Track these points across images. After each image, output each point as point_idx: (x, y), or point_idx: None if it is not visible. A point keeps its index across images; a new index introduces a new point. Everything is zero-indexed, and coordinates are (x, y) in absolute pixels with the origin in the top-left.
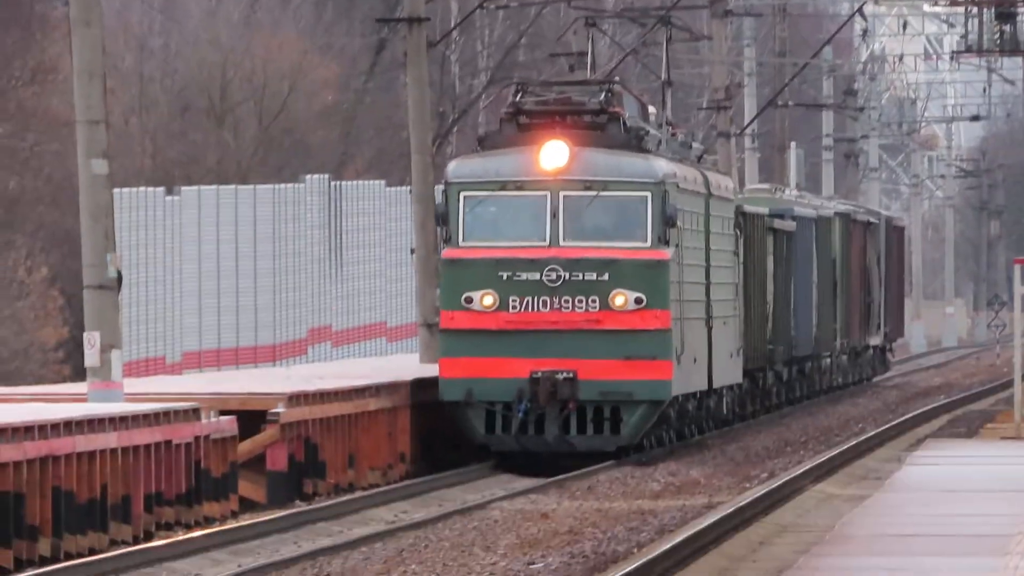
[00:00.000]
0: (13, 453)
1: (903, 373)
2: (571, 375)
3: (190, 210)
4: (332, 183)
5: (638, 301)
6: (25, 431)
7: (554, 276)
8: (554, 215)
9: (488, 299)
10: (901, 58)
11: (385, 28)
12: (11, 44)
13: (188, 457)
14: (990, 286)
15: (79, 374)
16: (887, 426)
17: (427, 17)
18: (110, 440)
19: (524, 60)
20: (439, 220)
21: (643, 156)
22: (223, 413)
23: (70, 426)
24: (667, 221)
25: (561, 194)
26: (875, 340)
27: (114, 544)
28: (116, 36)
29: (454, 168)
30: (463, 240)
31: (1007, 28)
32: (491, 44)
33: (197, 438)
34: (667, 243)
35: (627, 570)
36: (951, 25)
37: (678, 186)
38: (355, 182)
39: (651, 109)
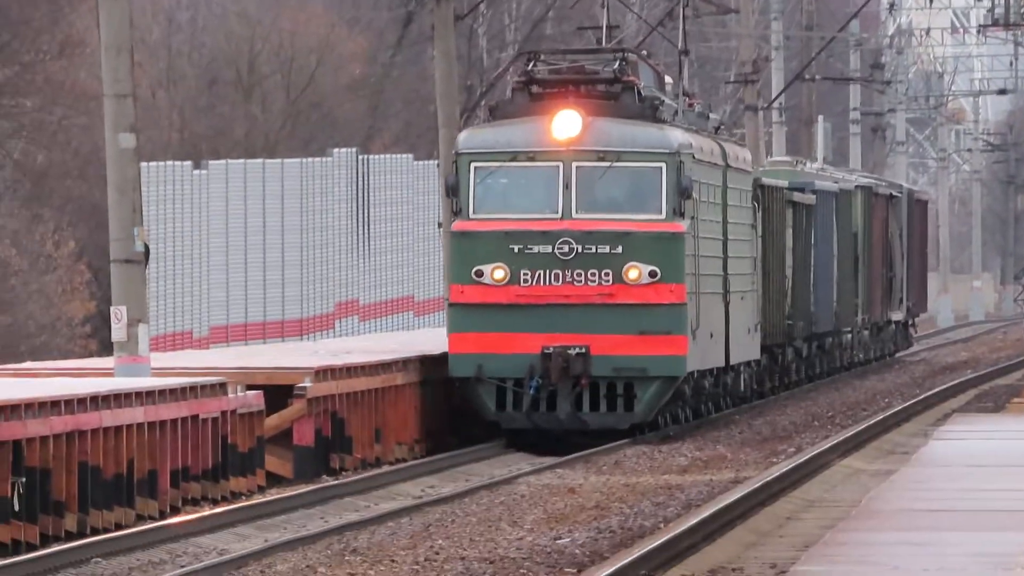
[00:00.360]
0: (40, 428)
1: (930, 347)
2: (583, 350)
3: (218, 184)
4: (360, 157)
5: (652, 275)
6: (52, 406)
7: (566, 249)
8: (567, 186)
9: (499, 273)
10: (928, 31)
11: (412, 1)
12: (39, 18)
13: (215, 432)
14: (1017, 260)
15: (106, 349)
16: (913, 400)
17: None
18: (137, 415)
19: (552, 33)
20: (449, 191)
21: (658, 126)
22: (250, 388)
23: (96, 401)
24: (682, 193)
25: (574, 165)
26: (897, 315)
27: (140, 519)
28: (144, 9)
29: (464, 138)
30: (473, 212)
31: None
32: (519, 18)
33: (224, 413)
34: (682, 215)
35: (654, 545)
36: None
37: (694, 157)
38: (383, 156)
39: (667, 79)
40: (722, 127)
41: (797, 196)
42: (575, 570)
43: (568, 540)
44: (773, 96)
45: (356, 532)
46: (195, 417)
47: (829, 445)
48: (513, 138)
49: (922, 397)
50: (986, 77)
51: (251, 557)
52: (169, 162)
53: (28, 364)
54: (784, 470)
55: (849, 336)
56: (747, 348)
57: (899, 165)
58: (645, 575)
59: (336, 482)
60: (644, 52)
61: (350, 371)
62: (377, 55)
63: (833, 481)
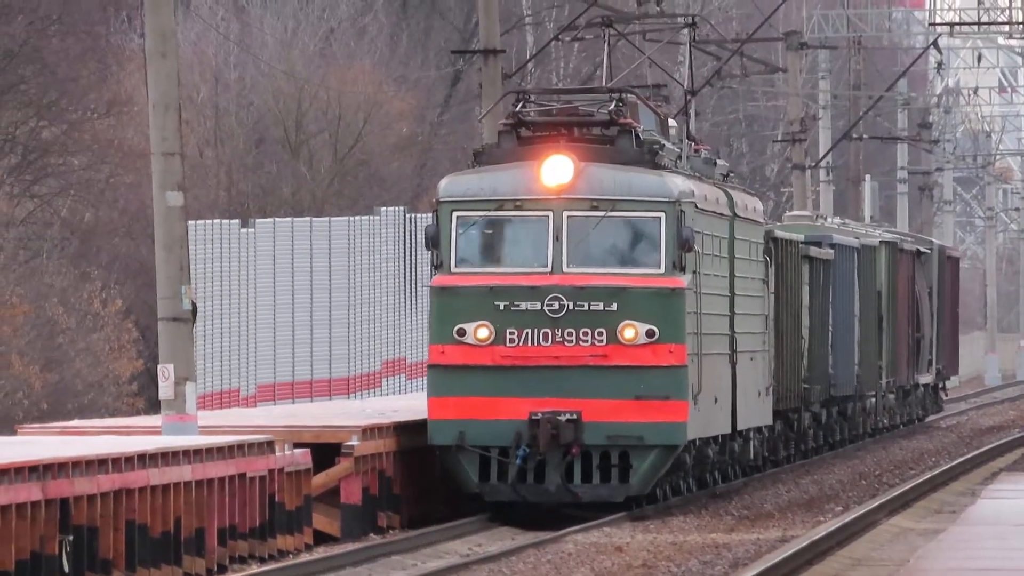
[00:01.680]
0: (87, 486)
1: (976, 406)
2: (575, 417)
3: (265, 242)
4: (407, 215)
5: (650, 334)
6: (99, 464)
7: (556, 306)
8: (557, 238)
9: (483, 332)
10: (976, 91)
11: (461, 60)
12: (86, 76)
13: (262, 490)
14: None
15: (153, 407)
16: (961, 459)
17: (503, 49)
18: (184, 473)
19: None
20: (429, 243)
21: (656, 172)
22: (297, 446)
23: (144, 459)
24: (683, 245)
25: (565, 214)
26: (926, 378)
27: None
28: (191, 68)
29: (446, 185)
30: (455, 266)
31: None
32: (566, 76)
33: (271, 471)
34: (683, 269)
35: None
36: None
37: (696, 206)
38: (430, 214)
39: (672, 122)
40: (731, 175)
41: (814, 251)
42: None
43: None
44: (821, 155)
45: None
46: (242, 475)
47: (876, 504)
48: (499, 185)
49: (970, 456)
50: None
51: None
52: (216, 220)
53: (76, 422)
54: (831, 529)
55: (873, 400)
56: (757, 413)
57: (946, 224)
58: None
59: (383, 540)
60: (646, 92)
61: (397, 429)
62: (425, 113)
63: (880, 540)
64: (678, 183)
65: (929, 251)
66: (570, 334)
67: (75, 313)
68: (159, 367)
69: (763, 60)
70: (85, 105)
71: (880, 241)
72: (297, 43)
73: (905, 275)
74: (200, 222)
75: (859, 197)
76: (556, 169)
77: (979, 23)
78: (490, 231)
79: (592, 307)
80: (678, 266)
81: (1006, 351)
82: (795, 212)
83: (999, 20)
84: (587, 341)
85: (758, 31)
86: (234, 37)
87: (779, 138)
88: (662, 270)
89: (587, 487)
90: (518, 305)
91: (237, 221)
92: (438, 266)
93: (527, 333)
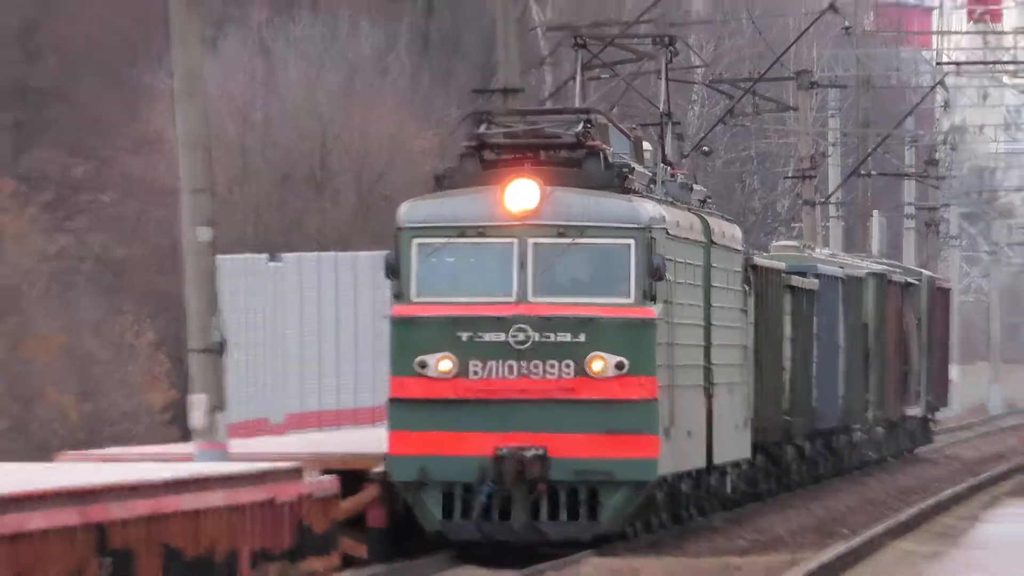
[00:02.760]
0: (123, 511)
1: (980, 434)
2: (541, 452)
3: (292, 276)
4: None
5: (619, 366)
6: (135, 490)
7: (522, 337)
8: (522, 266)
9: (445, 364)
10: (981, 128)
11: (480, 99)
12: (116, 114)
13: (292, 515)
14: None
15: (186, 435)
16: (964, 485)
17: (522, 88)
18: (216, 499)
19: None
20: (389, 272)
21: (626, 197)
22: (325, 472)
23: (178, 485)
24: (653, 273)
25: (530, 241)
26: (914, 411)
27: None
28: (219, 107)
29: (406, 211)
30: (416, 295)
31: None
32: None
33: (300, 496)
34: (654, 299)
35: None
36: None
37: (668, 232)
38: None
39: (647, 146)
40: (708, 200)
41: (796, 280)
42: None
43: None
44: (831, 191)
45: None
46: (272, 500)
47: (883, 528)
48: (461, 211)
49: (973, 482)
50: None
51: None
52: (245, 255)
53: (111, 449)
54: (839, 552)
55: (859, 433)
56: (735, 446)
57: (952, 258)
58: None
59: (409, 562)
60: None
61: None
62: (447, 151)
63: (886, 562)
64: (649, 208)
65: (918, 282)
66: (536, 366)
67: (109, 345)
68: (190, 397)
69: (774, 99)
70: (115, 142)
71: (867, 272)
72: (321, 82)
73: (894, 306)
74: (229, 256)
75: (867, 232)
76: (521, 194)
77: (984, 63)
78: (452, 259)
79: (559, 338)
80: (649, 295)
81: (1009, 381)
82: (782, 242)
83: (1004, 60)
84: (554, 374)
85: (770, 70)
86: (260, 77)
87: (790, 175)
88: (632, 300)
89: (555, 525)
90: (482, 336)
91: (265, 255)
92: (398, 295)
93: (491, 365)
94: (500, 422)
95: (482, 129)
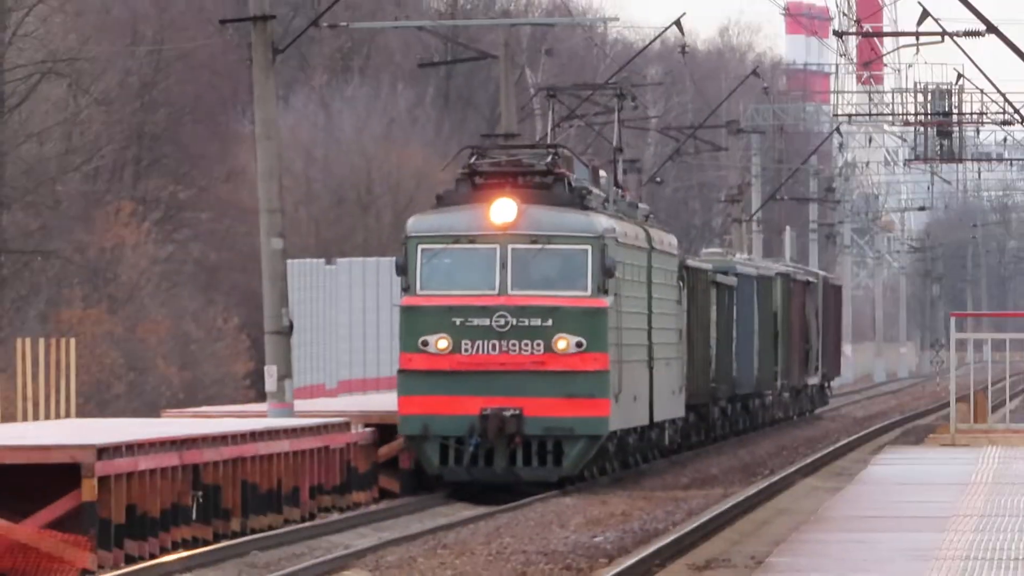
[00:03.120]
0: (213, 455)
1: (868, 397)
2: (517, 412)
3: (344, 276)
4: None
5: (579, 345)
6: (222, 439)
7: (503, 322)
8: (503, 266)
9: (443, 342)
10: (868, 164)
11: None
12: (212, 153)
13: (342, 458)
14: (932, 332)
15: (261, 397)
16: (856, 436)
17: (519, 133)
18: (284, 446)
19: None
20: (398, 271)
21: (584, 213)
22: (367, 425)
23: (254, 435)
24: (606, 272)
25: (509, 247)
26: (813, 380)
27: (287, 522)
28: (289, 147)
29: (412, 223)
30: (420, 289)
31: (944, 142)
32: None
33: (348, 444)
34: (606, 292)
35: (665, 542)
36: (904, 140)
37: (617, 240)
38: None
39: (602, 173)
40: (651, 216)
41: (720, 278)
42: (607, 560)
43: (602, 538)
44: (753, 211)
45: (445, 532)
46: (327, 447)
47: (794, 468)
48: (456, 223)
49: (862, 434)
50: (910, 197)
51: (368, 551)
52: (308, 260)
53: (205, 408)
54: (761, 487)
55: (770, 397)
56: (671, 407)
57: (845, 263)
58: (658, 564)
59: (413, 499)
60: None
61: None
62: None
63: (797, 495)
64: (602, 221)
65: (815, 281)
66: (514, 344)
67: (203, 328)
68: (265, 367)
69: (711, 141)
70: (210, 174)
71: (776, 273)
72: (367, 129)
73: (798, 300)
74: (295, 261)
75: (782, 243)
76: (502, 210)
77: (870, 114)
78: (448, 260)
79: (532, 323)
80: (602, 289)
81: (889, 356)
82: (710, 249)
83: (884, 112)
84: (528, 350)
85: (707, 120)
86: (320, 124)
87: (723, 199)
88: (589, 292)
89: (527, 469)
90: (471, 321)
91: (323, 260)
92: (406, 289)
93: (479, 343)
94: (485, 388)
95: (473, 160)
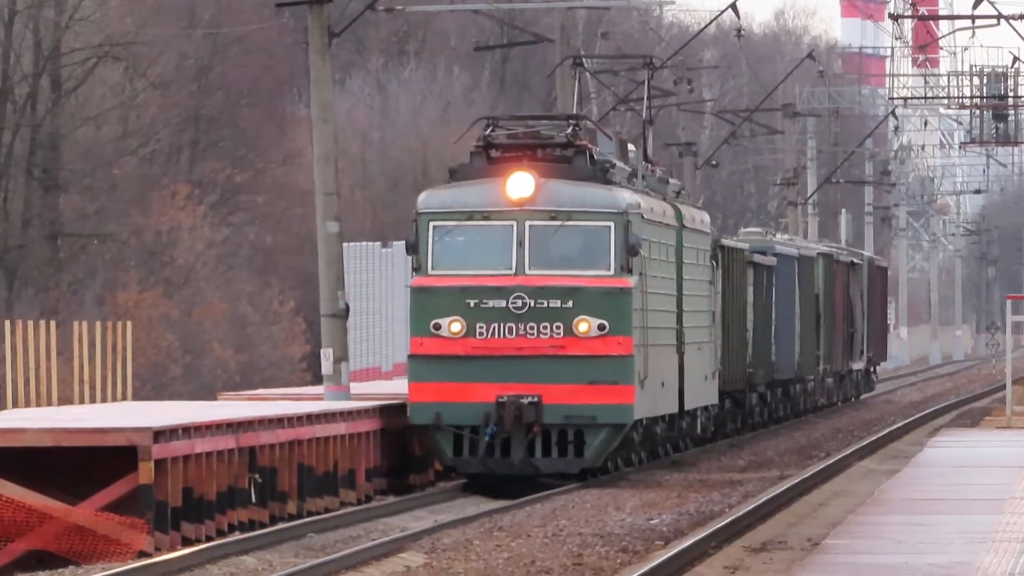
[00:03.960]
0: (269, 438)
1: (924, 379)
2: (536, 399)
3: (400, 259)
4: None
5: (601, 328)
6: (278, 421)
7: (520, 303)
8: (520, 244)
9: (456, 326)
10: (923, 147)
11: None
12: (268, 136)
13: (397, 441)
14: (988, 315)
15: (317, 379)
16: (911, 419)
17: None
18: (340, 428)
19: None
20: (409, 249)
21: (607, 187)
22: None
23: (311, 418)
24: (630, 250)
25: (527, 223)
26: (858, 364)
27: (343, 505)
28: (345, 130)
29: (424, 199)
30: (432, 269)
31: (1000, 125)
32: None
33: (405, 427)
34: (630, 271)
35: (721, 524)
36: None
37: (642, 216)
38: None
39: (631, 147)
40: (683, 192)
41: (758, 258)
42: (663, 542)
43: (658, 520)
44: (809, 194)
45: (501, 514)
46: (383, 430)
47: (851, 451)
48: (469, 198)
49: (918, 416)
50: (965, 180)
51: (424, 533)
52: (364, 243)
53: (261, 391)
54: (817, 469)
55: (812, 383)
56: (704, 394)
57: (901, 246)
58: (714, 546)
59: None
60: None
61: None
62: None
63: (853, 477)
64: (626, 196)
65: (861, 262)
66: (531, 328)
67: (259, 311)
68: (321, 350)
69: (766, 125)
70: (267, 157)
71: (818, 252)
72: (423, 112)
73: (840, 281)
74: (351, 244)
75: (837, 226)
76: (519, 184)
77: (925, 97)
78: (462, 238)
79: (551, 304)
80: (626, 268)
81: (944, 338)
82: (749, 229)
83: (940, 95)
84: (546, 334)
85: (763, 103)
86: (376, 108)
87: (778, 182)
88: (612, 272)
89: (547, 460)
90: (486, 303)
91: (379, 243)
92: (417, 269)
93: (494, 327)
94: (501, 374)
95: (488, 132)
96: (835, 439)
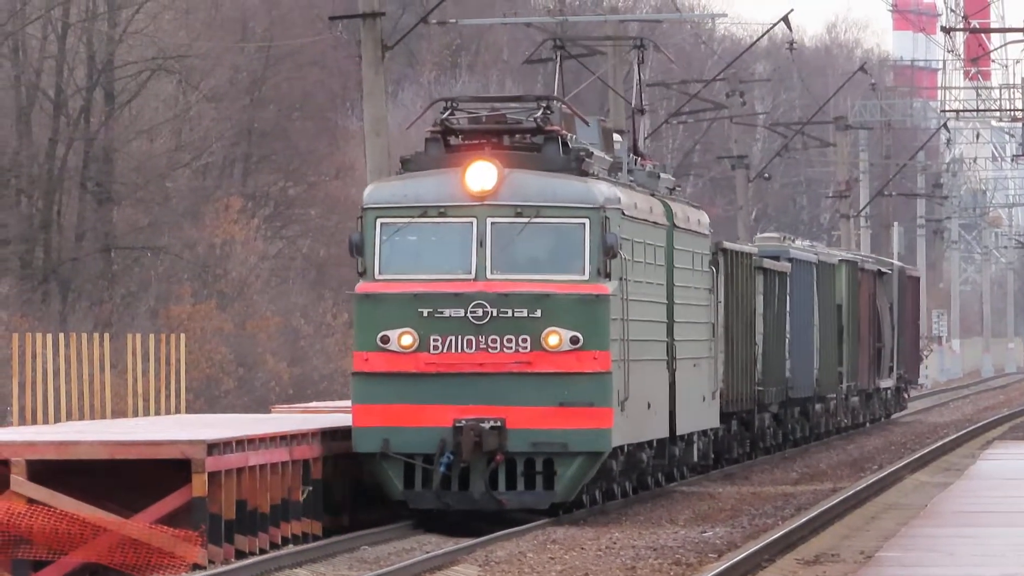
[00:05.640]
0: (322, 451)
1: (977, 391)
2: (499, 424)
3: None
4: None
5: (574, 341)
6: (331, 434)
7: (480, 313)
8: (480, 244)
9: (406, 339)
10: (975, 159)
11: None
12: (321, 149)
13: None
14: None
15: None
16: (964, 431)
17: (626, 130)
18: None
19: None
20: (353, 250)
21: (582, 179)
22: None
23: None
24: (607, 251)
25: (488, 221)
26: (887, 382)
27: (396, 519)
28: (397, 143)
29: (370, 192)
30: (379, 272)
31: None
32: (674, 149)
33: None
34: (608, 276)
35: (774, 537)
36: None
37: (623, 213)
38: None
39: (617, 136)
40: (677, 189)
41: (768, 263)
42: (716, 555)
43: (711, 533)
44: (861, 207)
45: (555, 527)
46: None
47: (903, 464)
48: (423, 191)
49: (970, 429)
50: (1017, 193)
51: (478, 546)
52: None
53: (314, 403)
54: (870, 482)
55: (834, 402)
56: (701, 416)
57: (953, 258)
58: (767, 559)
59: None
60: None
61: None
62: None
63: (906, 490)
64: (603, 190)
65: (890, 271)
66: (494, 341)
67: (312, 324)
68: None
69: (818, 137)
70: (319, 170)
71: (839, 259)
72: None
73: (867, 292)
74: None
75: (889, 239)
76: (479, 175)
77: (977, 110)
78: (414, 238)
79: (516, 314)
80: (603, 272)
81: (997, 351)
82: (765, 234)
83: (992, 108)
84: (511, 348)
85: (815, 116)
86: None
87: (830, 195)
88: (586, 276)
89: (512, 494)
90: (442, 312)
91: None
92: (362, 273)
93: (451, 340)
94: (459, 395)
95: (446, 115)
96: (888, 451)
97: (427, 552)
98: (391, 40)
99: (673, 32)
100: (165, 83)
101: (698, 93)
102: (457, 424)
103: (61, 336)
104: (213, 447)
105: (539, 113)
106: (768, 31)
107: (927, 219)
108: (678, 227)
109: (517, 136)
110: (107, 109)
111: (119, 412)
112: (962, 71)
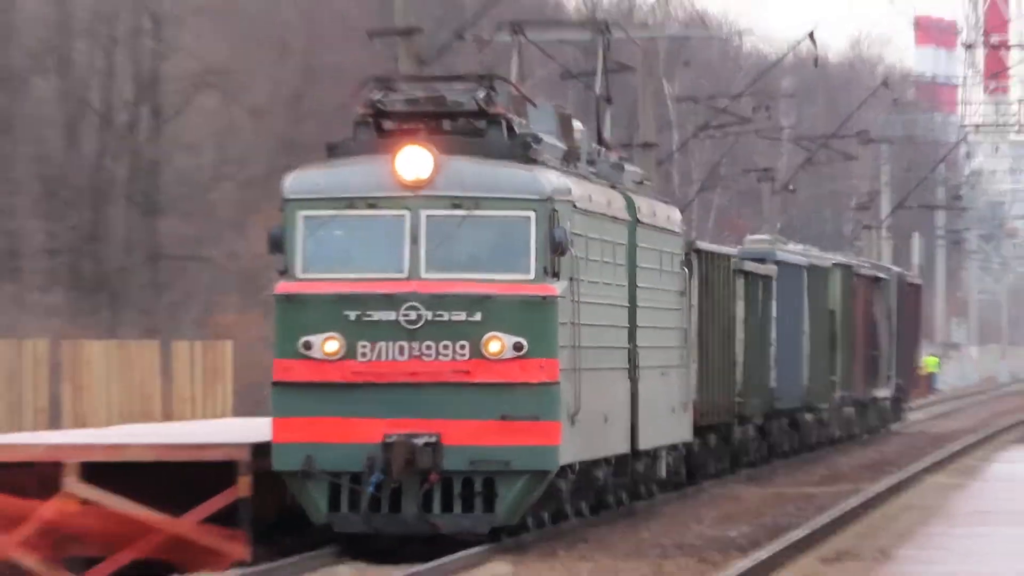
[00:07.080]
0: None
1: (993, 397)
2: (433, 439)
3: None
4: None
5: (517, 348)
6: None
7: (414, 316)
8: (414, 240)
9: (331, 345)
10: (994, 172)
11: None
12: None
13: None
14: None
15: None
16: (981, 435)
17: (656, 143)
18: None
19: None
20: (272, 246)
21: (527, 167)
22: None
23: None
24: (556, 247)
25: (423, 213)
26: (883, 392)
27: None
28: None
29: (291, 182)
30: (302, 271)
31: None
32: (702, 162)
33: None
34: (557, 275)
35: (796, 536)
36: None
37: (575, 205)
38: None
39: (577, 124)
40: (646, 183)
41: (750, 266)
42: (741, 553)
43: (735, 533)
44: (882, 218)
45: (584, 528)
46: None
47: (922, 466)
48: (350, 181)
49: (988, 433)
50: None
51: (510, 544)
52: None
53: None
54: (889, 483)
55: (826, 413)
56: (669, 429)
57: (972, 268)
58: (790, 557)
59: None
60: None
61: None
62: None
63: (924, 491)
64: (552, 179)
65: (887, 277)
66: (429, 348)
67: None
68: None
69: (842, 150)
70: None
71: (833, 263)
72: None
73: (862, 297)
74: None
75: (909, 248)
76: (412, 162)
77: (996, 125)
78: (340, 232)
79: (453, 317)
80: (551, 271)
81: (1014, 357)
82: (755, 236)
83: (1010, 122)
84: (448, 355)
85: (839, 130)
86: None
87: (853, 206)
88: (532, 276)
89: (448, 517)
90: (371, 315)
91: None
92: (283, 271)
93: (381, 347)
94: (390, 407)
95: (379, 96)
96: (907, 454)
97: (461, 550)
98: (428, 56)
99: (702, 48)
100: (209, 97)
101: (725, 108)
102: (387, 440)
103: (112, 343)
104: (258, 449)
105: (481, 94)
106: (794, 47)
107: (947, 230)
108: (642, 223)
109: (460, 121)
110: (153, 123)
111: (167, 417)
112: (982, 86)
